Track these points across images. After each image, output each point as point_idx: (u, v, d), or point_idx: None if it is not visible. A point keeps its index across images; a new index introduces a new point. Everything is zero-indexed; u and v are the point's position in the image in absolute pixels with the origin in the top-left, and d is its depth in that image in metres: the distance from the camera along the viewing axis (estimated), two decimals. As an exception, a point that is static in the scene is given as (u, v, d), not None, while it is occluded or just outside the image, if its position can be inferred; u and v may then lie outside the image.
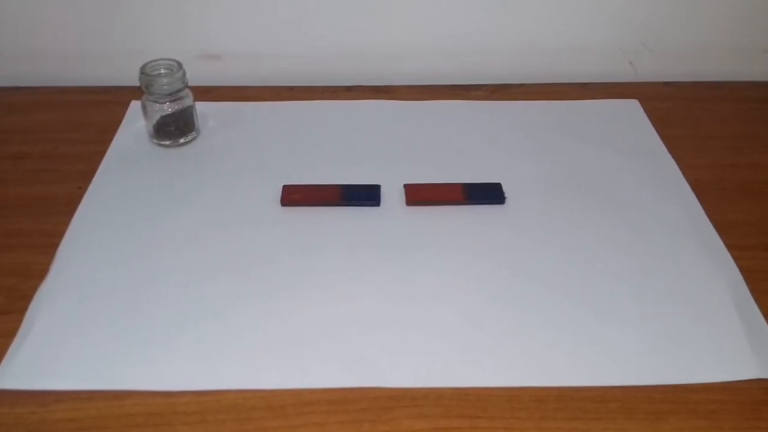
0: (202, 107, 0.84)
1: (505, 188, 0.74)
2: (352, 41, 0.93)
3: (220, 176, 0.76)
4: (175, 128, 0.79)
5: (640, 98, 0.90)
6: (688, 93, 0.93)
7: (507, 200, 0.73)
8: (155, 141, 0.80)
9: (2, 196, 0.73)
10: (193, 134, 0.81)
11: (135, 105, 0.87)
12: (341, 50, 0.94)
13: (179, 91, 0.77)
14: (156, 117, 0.79)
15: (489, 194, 0.73)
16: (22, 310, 0.60)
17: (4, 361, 0.56)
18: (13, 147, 0.81)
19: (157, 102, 0.77)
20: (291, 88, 0.91)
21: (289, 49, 0.94)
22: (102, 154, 0.79)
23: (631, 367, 0.57)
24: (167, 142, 0.80)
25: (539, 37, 0.94)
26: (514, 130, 0.84)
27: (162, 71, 0.77)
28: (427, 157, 0.79)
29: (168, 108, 0.78)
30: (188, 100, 0.79)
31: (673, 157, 0.80)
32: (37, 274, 0.64)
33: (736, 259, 0.66)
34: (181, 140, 0.80)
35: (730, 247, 0.68)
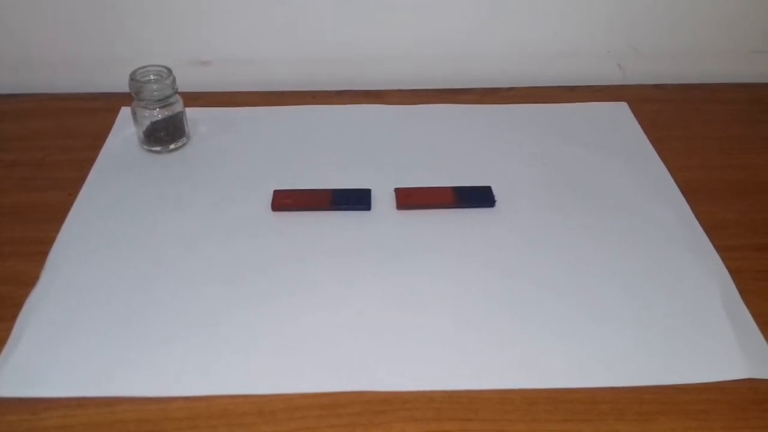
0: (192, 113, 0.84)
1: (495, 191, 0.74)
2: (342, 46, 0.94)
3: (211, 182, 0.76)
4: (165, 134, 0.79)
5: (628, 101, 0.91)
6: (676, 95, 0.93)
7: (497, 203, 0.73)
8: (145, 147, 0.80)
9: (-5, 204, 0.74)
10: (183, 140, 0.81)
11: (125, 111, 0.87)
12: (331, 55, 0.94)
13: (169, 97, 0.77)
14: (146, 123, 0.79)
15: (479, 197, 0.73)
16: (14, 318, 0.60)
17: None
18: (6, 155, 0.81)
19: (147, 108, 0.77)
20: (281, 93, 0.92)
21: (279, 55, 0.94)
22: (93, 160, 0.79)
23: (622, 368, 0.57)
24: (157, 148, 0.80)
25: (528, 41, 0.94)
26: (503, 133, 0.85)
27: (152, 77, 0.77)
28: (418, 160, 0.80)
29: (158, 114, 0.78)
30: (178, 106, 0.79)
31: (662, 158, 0.80)
32: (29, 281, 0.64)
33: (725, 259, 0.67)
34: (172, 146, 0.80)
35: (719, 248, 0.68)
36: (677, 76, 0.96)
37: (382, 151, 0.81)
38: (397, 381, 0.56)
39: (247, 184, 0.75)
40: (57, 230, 0.69)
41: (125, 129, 0.83)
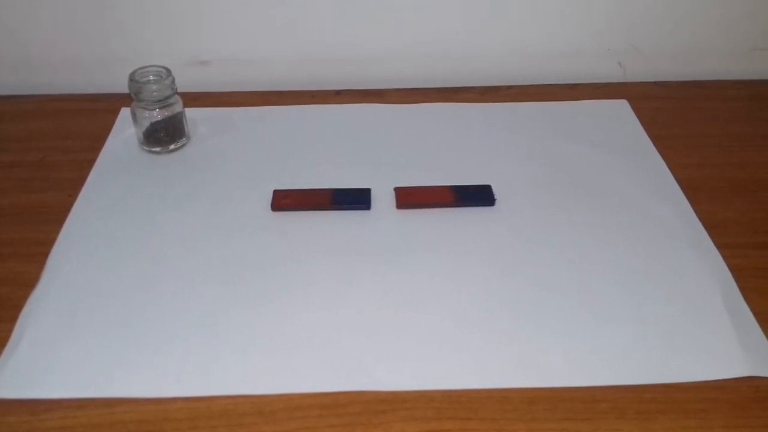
0: (192, 113, 0.84)
1: (495, 190, 0.74)
2: (342, 45, 0.94)
3: (211, 182, 0.76)
4: (164, 134, 0.80)
5: (628, 98, 0.90)
6: (676, 92, 0.93)
7: (497, 202, 0.73)
8: (145, 148, 0.80)
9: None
10: (183, 140, 0.81)
11: (125, 112, 0.87)
12: (330, 54, 0.94)
13: (169, 97, 0.77)
14: (146, 124, 0.79)
15: (479, 196, 0.73)
16: (14, 320, 0.60)
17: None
18: (6, 156, 0.81)
19: (146, 109, 0.78)
20: (281, 93, 0.92)
21: (278, 54, 0.94)
22: (93, 161, 0.79)
23: (622, 366, 0.57)
24: (157, 149, 0.80)
25: (528, 39, 0.94)
26: (503, 132, 0.84)
27: (151, 78, 0.77)
28: (417, 160, 0.79)
29: (157, 114, 0.78)
30: (178, 107, 0.79)
31: (663, 156, 0.80)
32: (29, 283, 0.64)
33: (725, 257, 0.67)
34: (171, 147, 0.80)
35: (720, 246, 0.68)
36: (678, 73, 0.95)
37: (382, 150, 0.81)
38: (397, 380, 0.56)
39: (247, 184, 0.75)
40: (57, 231, 0.69)
41: (125, 130, 0.83)
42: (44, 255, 0.67)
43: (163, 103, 0.77)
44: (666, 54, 0.96)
